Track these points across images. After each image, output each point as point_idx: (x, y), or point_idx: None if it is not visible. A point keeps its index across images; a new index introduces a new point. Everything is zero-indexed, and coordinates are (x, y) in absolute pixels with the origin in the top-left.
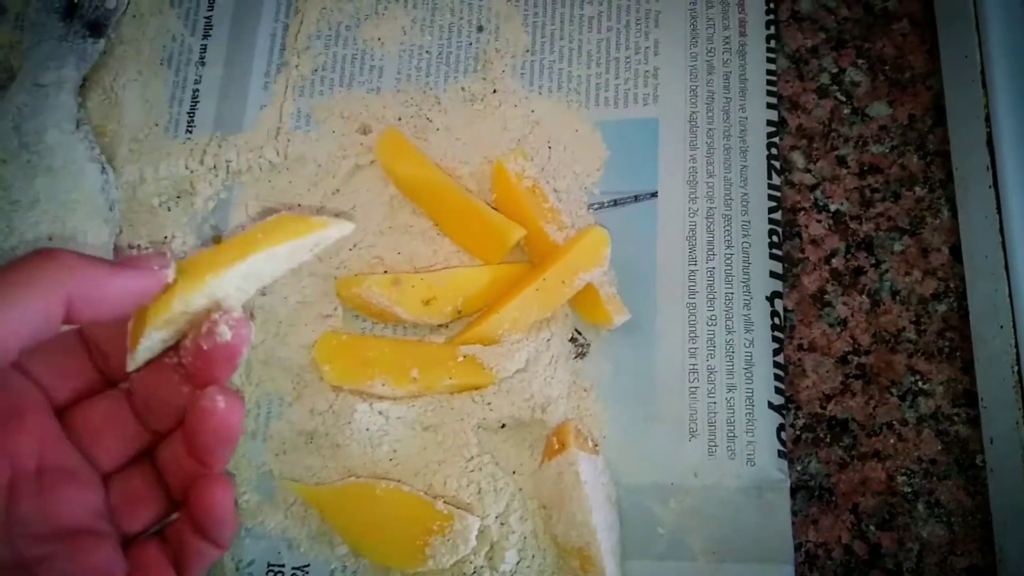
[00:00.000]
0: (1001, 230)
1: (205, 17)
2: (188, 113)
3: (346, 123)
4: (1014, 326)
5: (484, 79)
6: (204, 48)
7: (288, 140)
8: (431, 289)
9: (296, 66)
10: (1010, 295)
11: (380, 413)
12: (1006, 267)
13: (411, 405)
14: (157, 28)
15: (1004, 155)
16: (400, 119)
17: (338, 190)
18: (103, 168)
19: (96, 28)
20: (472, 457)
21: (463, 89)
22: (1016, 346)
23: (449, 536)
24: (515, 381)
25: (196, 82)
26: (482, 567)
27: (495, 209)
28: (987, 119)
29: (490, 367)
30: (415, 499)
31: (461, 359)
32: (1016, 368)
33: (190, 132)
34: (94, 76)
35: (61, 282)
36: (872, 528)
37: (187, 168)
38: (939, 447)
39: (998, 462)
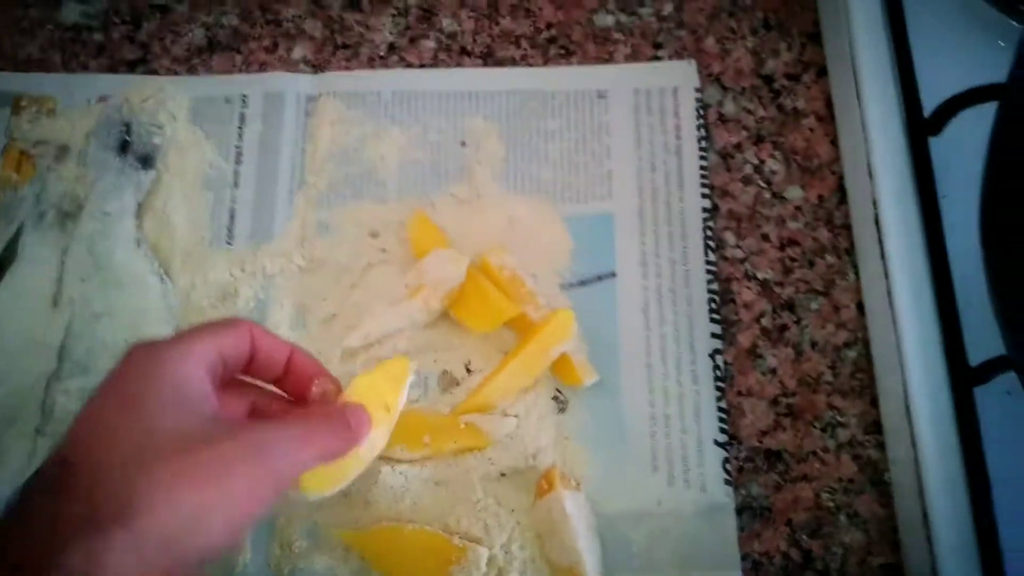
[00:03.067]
0: (888, 291)
1: (236, 147)
2: (227, 228)
3: (359, 229)
4: (902, 368)
5: (469, 185)
6: (237, 172)
7: (312, 246)
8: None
9: (314, 183)
10: (897, 344)
11: (401, 474)
12: (894, 321)
13: (424, 466)
14: (197, 158)
15: (887, 232)
16: (403, 223)
17: (355, 284)
18: (162, 279)
19: (146, 161)
20: (478, 500)
21: (453, 195)
22: (904, 384)
23: (464, 565)
24: (510, 439)
25: (232, 201)
26: None
27: None
28: (874, 202)
29: (487, 431)
30: (435, 536)
31: (463, 426)
32: (905, 403)
33: (230, 243)
34: (147, 201)
35: (263, 475)
36: (804, 537)
37: (230, 275)
38: (855, 468)
39: (900, 478)
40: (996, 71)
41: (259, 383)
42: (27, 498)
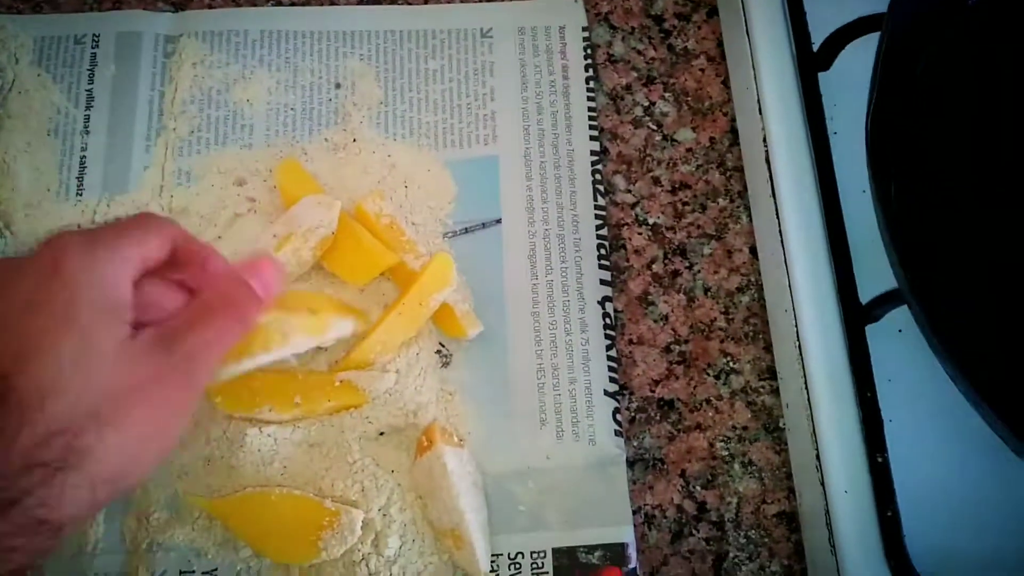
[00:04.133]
0: (780, 231)
1: (87, 90)
2: (77, 178)
3: (223, 177)
4: (794, 309)
5: (344, 130)
6: (88, 118)
7: (172, 196)
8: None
9: (174, 129)
10: (789, 284)
11: (269, 435)
12: (785, 262)
13: (296, 427)
14: (42, 102)
15: (778, 171)
16: (271, 171)
17: (220, 237)
18: (1, 233)
19: None
20: (355, 461)
21: (326, 140)
22: (796, 325)
23: (337, 529)
24: (389, 395)
25: (83, 149)
26: (369, 553)
27: None
28: (764, 140)
29: (364, 388)
30: (305, 500)
31: (338, 384)
32: (797, 343)
33: (80, 195)
34: None
35: (193, 392)
36: (698, 488)
37: (79, 228)
38: (749, 415)
39: (793, 422)
40: (884, 2)
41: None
42: None
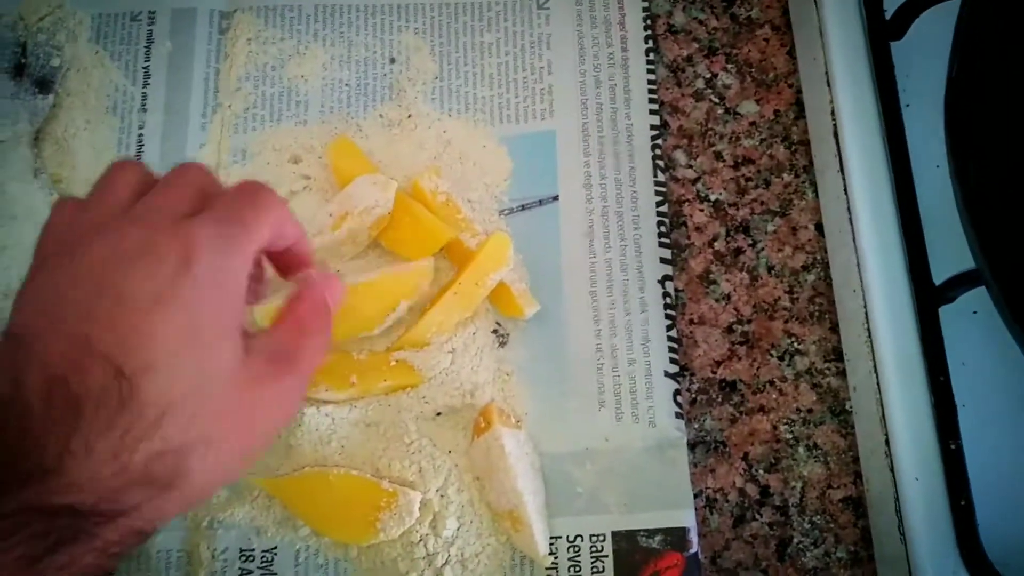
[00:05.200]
0: (848, 208)
1: (143, 67)
2: (135, 156)
3: (278, 155)
4: (863, 289)
5: (399, 106)
6: (144, 96)
7: (228, 174)
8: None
9: (229, 106)
10: (858, 263)
11: (327, 415)
12: (854, 240)
13: (353, 406)
14: (100, 80)
15: (847, 145)
16: (326, 148)
17: None
18: None
19: (44, 84)
20: (412, 442)
21: (381, 116)
22: (865, 306)
23: (395, 510)
24: (445, 375)
25: (140, 127)
26: (427, 535)
27: None
28: (832, 113)
29: (419, 368)
30: (363, 480)
31: (394, 363)
32: (866, 325)
33: None
34: (46, 128)
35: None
36: (761, 472)
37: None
38: (814, 398)
39: (861, 406)
40: None
41: None
42: (78, 414)
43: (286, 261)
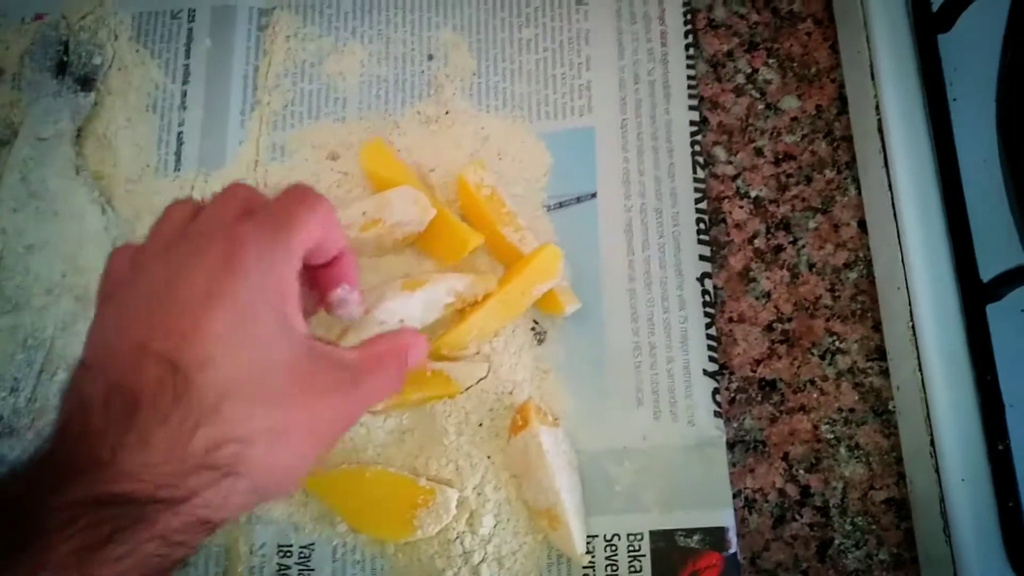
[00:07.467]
0: (893, 204)
1: (183, 65)
2: (175, 153)
3: (316, 151)
4: (907, 287)
5: (437, 102)
6: (184, 93)
7: (266, 171)
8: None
9: (268, 103)
10: (903, 260)
11: (362, 425)
12: (899, 236)
13: (388, 416)
14: (141, 78)
15: (892, 140)
16: (360, 148)
17: None
18: (103, 209)
19: (86, 83)
20: (450, 443)
21: (419, 112)
22: (910, 304)
23: (432, 507)
24: (483, 386)
25: (180, 125)
26: (464, 532)
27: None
28: (876, 108)
29: (455, 379)
30: (400, 478)
31: (429, 374)
32: (911, 324)
33: (178, 170)
34: (88, 126)
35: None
36: (801, 472)
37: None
38: (856, 397)
39: (905, 405)
40: None
41: None
42: (134, 410)
43: (329, 278)
